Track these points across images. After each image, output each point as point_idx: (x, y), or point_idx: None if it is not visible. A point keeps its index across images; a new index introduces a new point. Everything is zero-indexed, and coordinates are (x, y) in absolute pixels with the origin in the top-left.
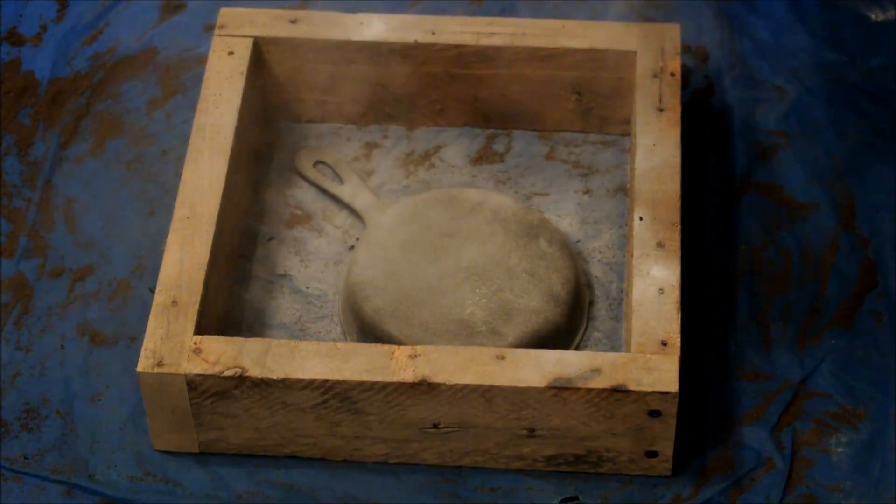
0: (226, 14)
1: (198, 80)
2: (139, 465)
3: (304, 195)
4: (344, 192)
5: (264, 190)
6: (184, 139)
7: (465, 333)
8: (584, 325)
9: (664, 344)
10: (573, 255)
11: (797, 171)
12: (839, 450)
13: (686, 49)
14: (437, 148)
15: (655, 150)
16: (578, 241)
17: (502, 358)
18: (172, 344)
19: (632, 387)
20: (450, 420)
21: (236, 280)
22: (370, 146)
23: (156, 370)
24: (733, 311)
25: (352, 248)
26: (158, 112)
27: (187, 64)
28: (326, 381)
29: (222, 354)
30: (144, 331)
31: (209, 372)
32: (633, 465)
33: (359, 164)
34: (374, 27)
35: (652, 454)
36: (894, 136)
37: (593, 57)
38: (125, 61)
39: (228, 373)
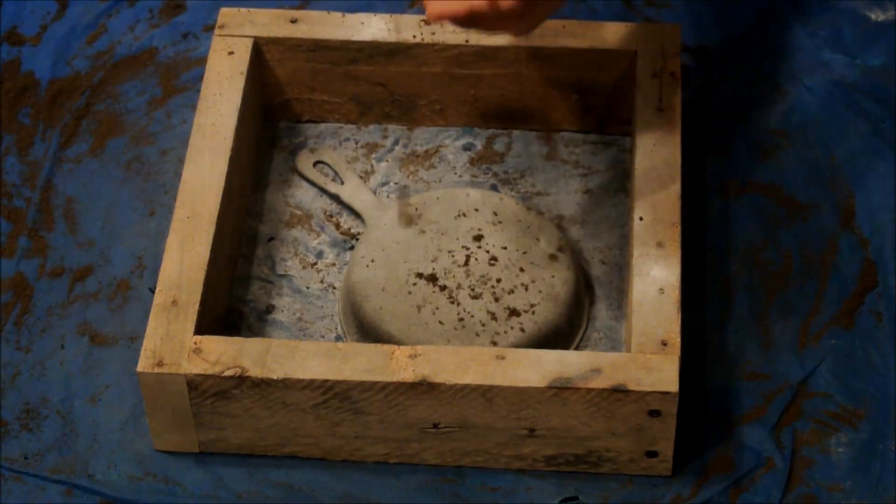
0: (226, 14)
1: (198, 80)
2: (139, 465)
3: (304, 195)
4: (344, 192)
5: (264, 190)
6: (184, 139)
7: (464, 333)
8: (584, 325)
9: (664, 344)
10: (573, 255)
11: (797, 171)
12: (839, 450)
13: (686, 49)
14: (437, 148)
15: (655, 150)
16: (578, 241)
17: (502, 358)
18: (172, 344)
19: (632, 387)
20: (450, 420)
21: (236, 280)
22: (370, 146)
23: (156, 370)
24: (733, 311)
25: (352, 248)
26: (158, 112)
27: (187, 64)
28: (326, 381)
29: (222, 354)
30: (144, 331)
31: (209, 372)
32: (633, 465)
33: (359, 164)
34: (374, 27)
35: (652, 454)
36: (894, 136)
37: (593, 57)
38: (125, 61)
39: (228, 373)
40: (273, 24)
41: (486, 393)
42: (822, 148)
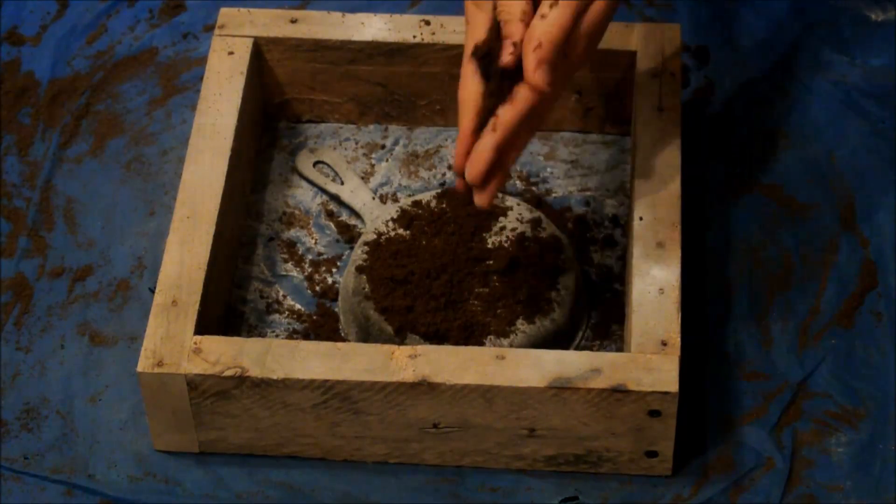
0: (226, 14)
1: (198, 80)
2: (139, 465)
3: (304, 195)
4: (344, 192)
5: (264, 190)
6: (184, 139)
7: (465, 333)
8: (585, 325)
9: (664, 344)
10: (573, 256)
11: (797, 171)
12: (839, 450)
13: (686, 49)
14: (438, 148)
15: (655, 150)
16: (579, 241)
17: (502, 358)
18: (172, 344)
19: (632, 387)
20: (450, 420)
21: (236, 280)
22: (370, 146)
23: (156, 370)
24: (733, 312)
25: (352, 248)
26: (158, 112)
27: (187, 64)
28: (326, 381)
29: (222, 354)
30: (144, 331)
31: (209, 372)
32: (633, 465)
33: (359, 164)
34: (374, 27)
35: (652, 454)
36: (894, 136)
37: (593, 57)
38: (125, 61)
39: (228, 373)
40: (273, 24)
41: (486, 393)
42: (822, 148)
